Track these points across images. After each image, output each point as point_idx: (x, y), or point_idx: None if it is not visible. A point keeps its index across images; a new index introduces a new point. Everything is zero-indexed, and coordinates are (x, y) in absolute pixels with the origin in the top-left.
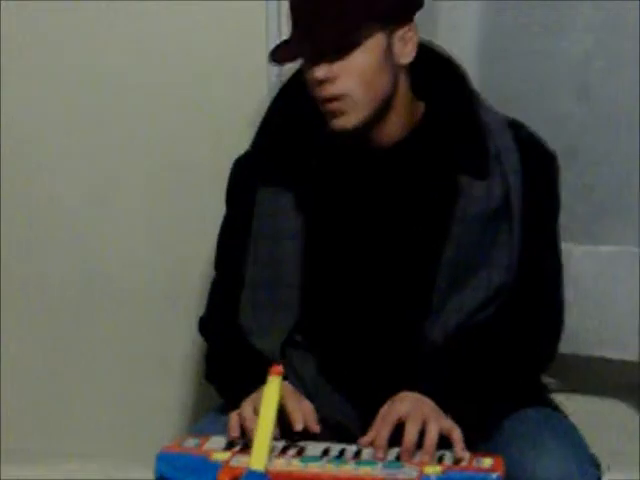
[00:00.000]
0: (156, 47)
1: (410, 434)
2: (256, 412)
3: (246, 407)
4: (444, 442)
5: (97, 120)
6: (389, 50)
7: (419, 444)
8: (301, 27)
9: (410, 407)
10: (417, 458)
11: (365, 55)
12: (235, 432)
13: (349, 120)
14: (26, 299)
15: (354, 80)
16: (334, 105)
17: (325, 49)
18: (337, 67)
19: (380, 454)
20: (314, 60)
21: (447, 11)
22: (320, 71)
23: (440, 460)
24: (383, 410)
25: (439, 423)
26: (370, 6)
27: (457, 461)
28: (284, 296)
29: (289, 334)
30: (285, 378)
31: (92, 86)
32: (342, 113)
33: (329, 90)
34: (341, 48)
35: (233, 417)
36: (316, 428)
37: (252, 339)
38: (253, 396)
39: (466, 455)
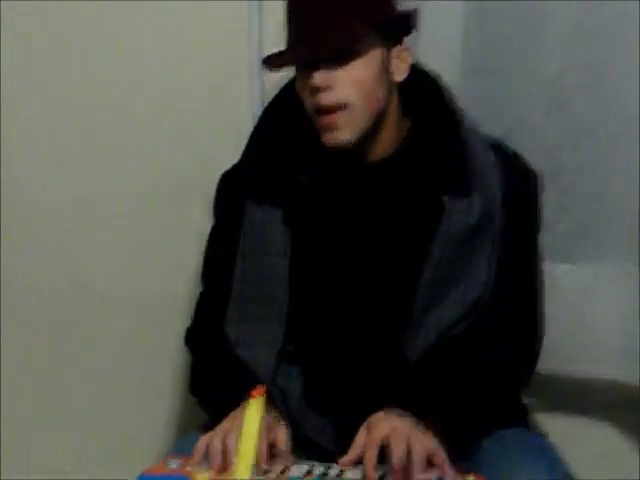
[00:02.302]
0: (144, 62)
1: (397, 455)
2: (224, 444)
3: (215, 438)
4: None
5: (86, 131)
6: (386, 66)
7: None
8: (299, 33)
9: (392, 426)
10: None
11: (365, 66)
12: (197, 462)
13: (344, 135)
14: (12, 308)
15: (353, 89)
16: (330, 118)
17: (325, 55)
18: (336, 75)
19: (371, 475)
20: (312, 67)
21: (429, 27)
22: (319, 78)
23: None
24: (363, 431)
25: (423, 443)
26: (371, 16)
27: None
28: (272, 311)
29: (277, 351)
30: (269, 396)
31: (81, 97)
32: (337, 127)
33: (326, 99)
34: (341, 55)
35: (200, 444)
36: (285, 454)
37: (238, 350)
38: (225, 425)
39: (451, 475)
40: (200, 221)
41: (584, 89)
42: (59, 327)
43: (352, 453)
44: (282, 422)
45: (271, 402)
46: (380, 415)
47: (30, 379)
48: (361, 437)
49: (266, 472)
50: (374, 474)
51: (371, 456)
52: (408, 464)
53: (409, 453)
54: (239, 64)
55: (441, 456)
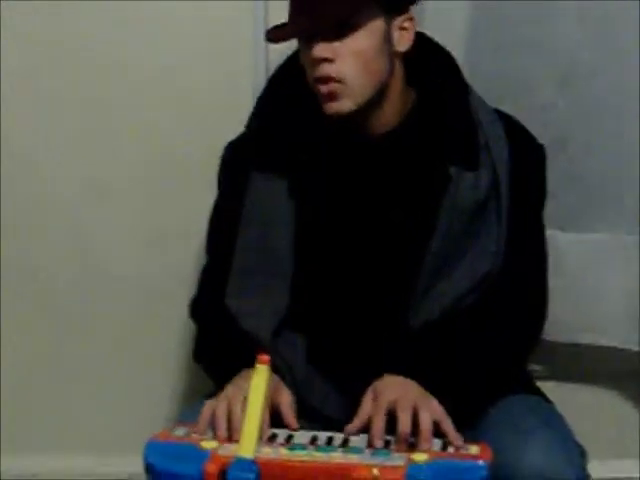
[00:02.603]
0: (147, 40)
1: (404, 424)
2: (229, 410)
3: (220, 404)
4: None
5: (93, 115)
6: (388, 37)
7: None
8: (300, 6)
9: (398, 393)
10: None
11: (365, 38)
12: (202, 430)
13: (344, 104)
14: (22, 292)
15: (353, 62)
16: (330, 87)
17: (325, 27)
18: (336, 47)
19: (378, 443)
20: (313, 39)
21: (435, 3)
22: (319, 49)
23: (411, 446)
24: (368, 398)
25: (430, 410)
26: None
27: (445, 445)
28: (275, 282)
29: (280, 321)
30: (273, 365)
31: (88, 81)
32: (337, 97)
33: (327, 70)
34: (341, 27)
35: (205, 411)
36: (293, 424)
37: (240, 321)
38: (229, 391)
39: (459, 443)
40: (206, 203)
41: (597, 65)
42: (68, 310)
43: (358, 421)
44: (284, 386)
45: (273, 367)
46: (386, 381)
47: (42, 355)
48: (367, 404)
49: (272, 438)
50: (380, 442)
51: (378, 424)
52: (414, 431)
53: (415, 421)
54: (243, 37)
55: (448, 423)
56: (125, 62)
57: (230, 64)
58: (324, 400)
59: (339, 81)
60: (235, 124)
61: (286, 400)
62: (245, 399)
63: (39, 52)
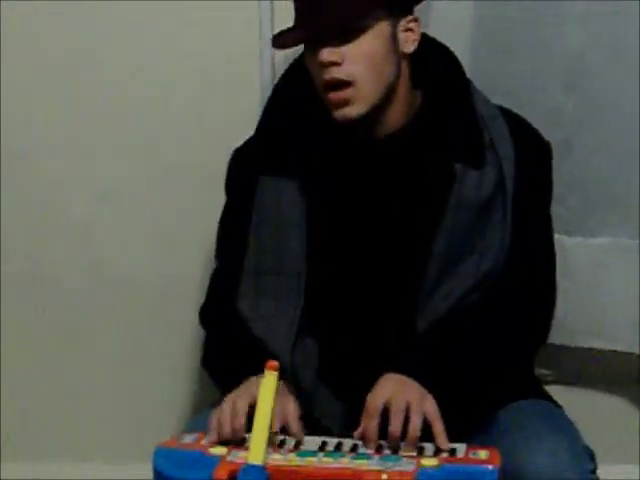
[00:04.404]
0: (156, 45)
1: (394, 427)
2: (234, 412)
3: (225, 403)
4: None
5: (104, 125)
6: (394, 39)
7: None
8: (306, 11)
9: (393, 391)
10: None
11: (372, 41)
12: (213, 437)
13: (354, 110)
14: (31, 294)
15: (361, 65)
16: (340, 94)
17: (332, 31)
18: (344, 51)
19: (370, 447)
20: (320, 43)
21: (440, 4)
22: (326, 53)
23: (421, 451)
24: (369, 399)
25: (422, 408)
26: None
27: (437, 451)
28: (289, 284)
29: (293, 325)
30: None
31: (97, 84)
32: (346, 103)
33: (335, 74)
34: (348, 31)
35: (212, 416)
36: (296, 429)
37: (252, 326)
38: (234, 393)
39: (446, 446)
40: (213, 209)
41: (604, 69)
42: (78, 313)
43: (362, 427)
44: (291, 395)
45: (282, 375)
46: (382, 380)
47: (53, 359)
48: (366, 410)
49: (281, 444)
50: (372, 446)
51: (371, 429)
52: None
53: (406, 424)
54: (250, 44)
55: (439, 425)
56: (134, 72)
57: (237, 72)
58: (325, 410)
59: (349, 84)
60: (242, 131)
61: (293, 410)
62: (251, 399)
63: (40, 56)
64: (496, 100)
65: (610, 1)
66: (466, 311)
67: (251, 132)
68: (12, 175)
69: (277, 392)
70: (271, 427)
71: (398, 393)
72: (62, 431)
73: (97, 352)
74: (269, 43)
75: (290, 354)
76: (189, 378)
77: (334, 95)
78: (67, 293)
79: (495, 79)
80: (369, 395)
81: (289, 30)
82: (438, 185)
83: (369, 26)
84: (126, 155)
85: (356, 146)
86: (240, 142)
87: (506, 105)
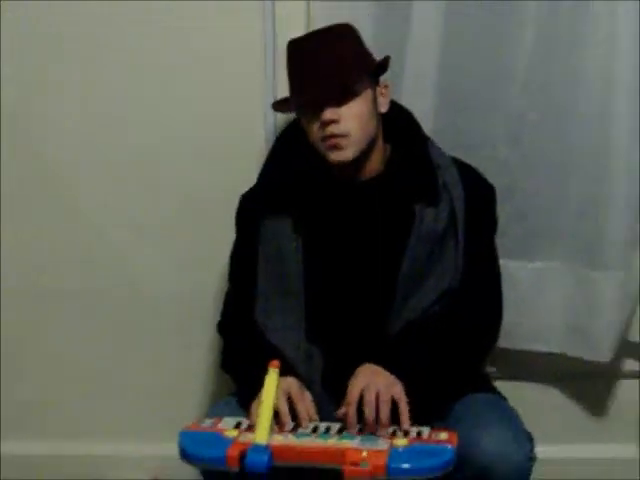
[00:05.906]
0: (168, 97)
1: (367, 416)
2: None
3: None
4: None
5: (137, 168)
6: (374, 101)
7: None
8: (307, 81)
9: (366, 381)
10: (390, 430)
11: (362, 103)
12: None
13: (347, 153)
14: (81, 306)
15: (354, 122)
16: (337, 141)
17: (334, 95)
18: (340, 111)
19: (352, 430)
20: (319, 107)
21: (409, 73)
22: (329, 113)
23: (394, 433)
24: (349, 388)
25: (390, 392)
26: (366, 65)
27: (406, 433)
28: (292, 303)
29: (300, 333)
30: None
31: (133, 141)
32: (342, 148)
33: (335, 129)
34: (344, 95)
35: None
36: (314, 416)
37: (268, 335)
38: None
39: (407, 425)
40: (225, 236)
41: (542, 126)
42: (110, 322)
43: (342, 409)
44: (307, 391)
45: (295, 375)
46: (358, 370)
47: (84, 361)
48: (347, 397)
49: (314, 430)
50: (353, 429)
51: (351, 414)
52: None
53: (378, 404)
54: (254, 108)
55: (404, 406)
56: (148, 116)
57: (245, 128)
58: (318, 407)
59: (344, 136)
60: (249, 172)
61: (309, 401)
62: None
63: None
64: (454, 153)
65: (547, 70)
66: (429, 320)
67: (254, 179)
68: (59, 208)
69: (294, 393)
70: (274, 414)
71: (371, 383)
72: (100, 415)
73: (126, 358)
74: (270, 107)
75: (301, 361)
76: (207, 376)
77: (332, 141)
78: (109, 304)
79: (453, 135)
80: (349, 385)
81: (288, 98)
82: (403, 221)
83: (361, 91)
84: (153, 195)
85: (340, 188)
86: (246, 182)
87: (462, 157)
